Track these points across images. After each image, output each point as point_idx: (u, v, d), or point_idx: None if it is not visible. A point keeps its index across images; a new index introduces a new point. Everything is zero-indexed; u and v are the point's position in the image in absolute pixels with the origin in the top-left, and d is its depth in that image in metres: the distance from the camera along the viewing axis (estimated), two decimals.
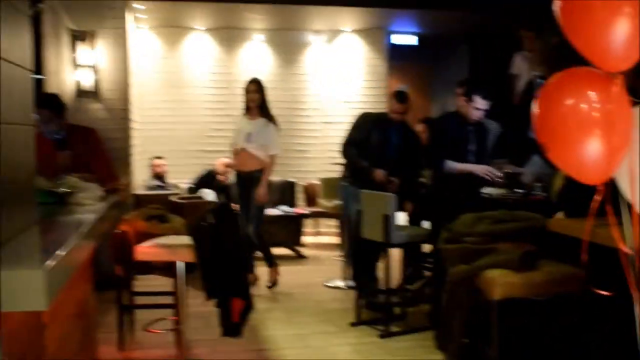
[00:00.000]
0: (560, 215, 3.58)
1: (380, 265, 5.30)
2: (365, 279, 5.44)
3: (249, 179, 5.96)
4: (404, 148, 5.62)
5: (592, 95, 2.26)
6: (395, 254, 5.09)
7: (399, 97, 5.66)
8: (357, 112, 6.28)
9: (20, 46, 2.08)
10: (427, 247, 5.60)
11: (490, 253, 3.41)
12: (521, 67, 7.42)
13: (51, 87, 6.26)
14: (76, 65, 6.45)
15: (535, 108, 2.43)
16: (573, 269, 3.18)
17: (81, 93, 6.46)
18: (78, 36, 6.43)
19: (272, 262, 6.22)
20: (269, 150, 5.96)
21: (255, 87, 6.01)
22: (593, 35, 2.18)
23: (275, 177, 8.59)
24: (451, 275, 3.54)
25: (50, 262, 1.63)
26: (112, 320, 4.64)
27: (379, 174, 5.51)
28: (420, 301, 5.46)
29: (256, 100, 5.99)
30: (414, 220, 5.99)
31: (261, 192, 5.92)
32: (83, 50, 6.44)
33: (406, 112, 5.65)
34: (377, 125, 5.65)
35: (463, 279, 3.45)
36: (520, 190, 4.84)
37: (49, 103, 4.56)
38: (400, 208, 5.48)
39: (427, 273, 5.85)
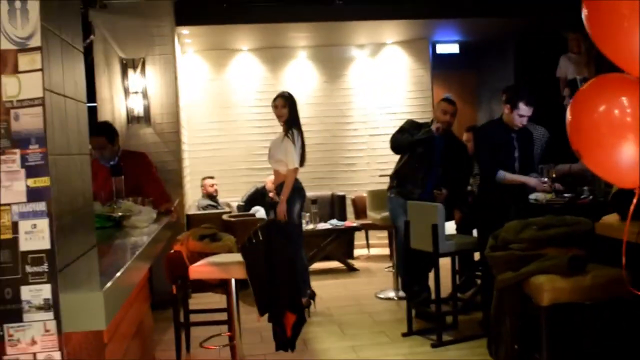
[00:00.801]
0: (611, 217, 3.55)
1: (431, 275, 5.33)
2: (416, 289, 5.45)
3: (278, 195, 5.95)
4: (450, 157, 5.60)
5: (624, 100, 2.28)
6: (446, 263, 5.10)
7: (447, 99, 5.70)
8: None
9: (75, 80, 2.21)
10: (477, 255, 5.60)
11: (538, 259, 3.39)
12: (567, 70, 7.36)
13: (104, 115, 6.51)
14: (127, 92, 6.65)
15: (567, 115, 2.46)
16: (622, 272, 3.15)
17: (133, 119, 6.66)
18: (128, 64, 6.64)
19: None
20: (287, 165, 5.73)
21: (281, 102, 5.81)
22: (620, 41, 2.20)
23: (324, 192, 8.73)
24: (498, 282, 3.54)
25: (108, 284, 1.75)
26: (169, 337, 4.79)
27: (437, 129, 5.49)
28: (472, 309, 5.46)
29: (283, 116, 5.81)
30: (463, 229, 6.00)
31: (279, 208, 5.71)
32: (133, 77, 6.64)
33: (454, 116, 5.62)
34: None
35: (510, 285, 3.45)
36: (567, 195, 4.81)
37: (102, 131, 4.73)
38: (449, 217, 5.49)
39: (479, 281, 5.85)
